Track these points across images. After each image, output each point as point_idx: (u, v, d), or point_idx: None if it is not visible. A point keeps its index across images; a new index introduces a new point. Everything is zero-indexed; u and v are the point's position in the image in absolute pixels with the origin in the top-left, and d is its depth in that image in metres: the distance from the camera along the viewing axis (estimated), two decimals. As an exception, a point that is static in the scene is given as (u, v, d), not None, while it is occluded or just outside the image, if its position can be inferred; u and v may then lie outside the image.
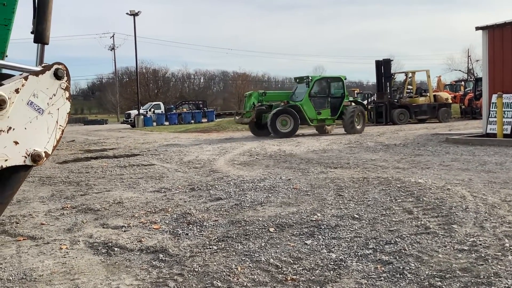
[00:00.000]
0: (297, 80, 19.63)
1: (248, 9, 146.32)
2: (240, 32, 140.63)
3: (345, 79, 19.38)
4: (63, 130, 2.95)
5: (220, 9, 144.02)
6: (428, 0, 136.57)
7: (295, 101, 18.09)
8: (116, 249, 4.34)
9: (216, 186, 7.25)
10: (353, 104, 19.24)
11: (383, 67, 25.08)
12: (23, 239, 4.80)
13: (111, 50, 68.16)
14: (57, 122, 2.90)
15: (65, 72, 2.92)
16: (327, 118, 18.53)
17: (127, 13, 41.42)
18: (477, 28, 13.64)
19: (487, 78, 13.50)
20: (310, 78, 18.60)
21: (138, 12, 41.52)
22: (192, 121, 40.06)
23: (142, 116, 38.58)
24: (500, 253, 3.69)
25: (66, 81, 2.93)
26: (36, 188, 7.94)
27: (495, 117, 12.71)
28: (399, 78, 33.61)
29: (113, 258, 4.10)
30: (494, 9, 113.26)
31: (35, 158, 2.85)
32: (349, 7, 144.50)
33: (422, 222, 4.61)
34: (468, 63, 71.31)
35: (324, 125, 19.13)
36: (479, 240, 3.99)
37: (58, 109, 2.90)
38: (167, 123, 39.33)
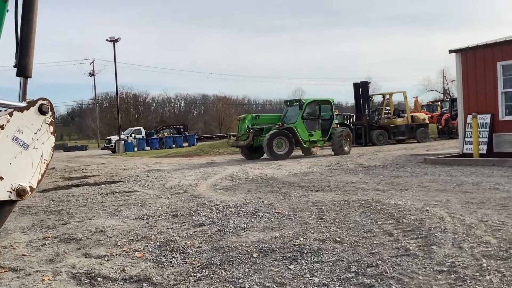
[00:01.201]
0: (288, 103, 20.18)
1: (227, 33, 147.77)
2: (220, 56, 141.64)
3: (333, 102, 19.90)
4: (47, 164, 2.98)
5: (199, 33, 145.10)
6: (406, 23, 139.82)
7: (288, 124, 18.44)
8: (99, 279, 4.32)
9: (199, 212, 7.26)
10: (339, 126, 19.75)
11: (361, 89, 25.52)
12: (5, 271, 4.74)
13: (91, 76, 67.92)
14: (41, 156, 2.93)
15: (49, 107, 2.97)
16: (318, 139, 18.96)
17: (106, 40, 41.57)
18: (451, 51, 14.05)
19: (462, 99, 13.86)
20: (302, 101, 19.12)
21: (118, 38, 41.69)
22: (174, 146, 39.99)
23: (123, 142, 38.39)
24: (478, 273, 3.79)
25: (50, 116, 2.98)
26: (17, 218, 7.84)
27: (471, 137, 13.01)
28: (377, 99, 34.28)
29: (97, 289, 4.08)
30: (470, 31, 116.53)
31: (20, 193, 2.87)
32: (328, 30, 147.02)
33: (402, 244, 4.71)
34: (444, 84, 72.99)
35: (311, 147, 19.45)
36: (458, 261, 4.09)
37: (42, 143, 2.94)
38: (148, 148, 39.20)
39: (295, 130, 18.17)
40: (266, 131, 18.14)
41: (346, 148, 18.92)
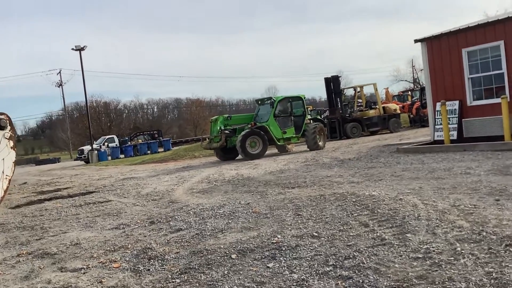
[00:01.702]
0: (259, 102, 20.15)
1: (195, 37, 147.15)
2: (190, 59, 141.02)
3: (305, 98, 19.91)
4: (10, 180, 2.91)
5: (167, 39, 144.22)
6: (372, 15, 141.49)
7: (261, 122, 18.45)
8: (76, 292, 4.24)
9: (176, 217, 7.21)
10: (312, 121, 19.82)
11: (332, 83, 25.73)
12: (-23, 293, 4.62)
13: (58, 86, 66.79)
14: (3, 172, 2.86)
15: (7, 121, 2.90)
16: (292, 136, 19.00)
17: (72, 49, 40.92)
18: (416, 41, 14.26)
19: (430, 87, 14.10)
20: (274, 99, 19.09)
21: (84, 46, 41.08)
22: (149, 152, 39.63)
23: (96, 151, 37.85)
24: (452, 258, 3.85)
25: (9, 131, 2.91)
26: (-12, 236, 7.64)
27: (441, 124, 13.24)
28: (349, 93, 34.60)
29: (74, 303, 4.01)
30: (436, 18, 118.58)
31: (-17, 210, 2.78)
32: (296, 27, 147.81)
33: (378, 234, 4.75)
34: (413, 73, 74.10)
35: (287, 144, 19.52)
36: (432, 247, 4.15)
37: (3, 159, 2.87)
38: (122, 156, 38.75)
39: (267, 128, 18.21)
40: (239, 131, 18.10)
41: (320, 143, 19.03)
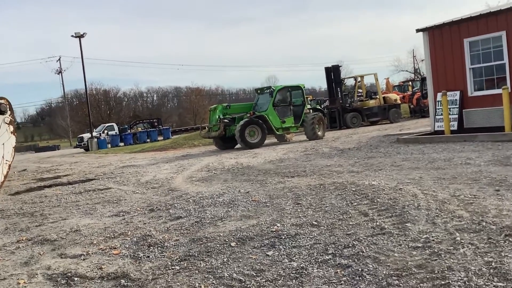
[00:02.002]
0: (258, 91, 20.00)
1: (195, 25, 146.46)
2: (190, 48, 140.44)
3: (304, 87, 19.79)
4: (10, 165, 2.89)
5: (167, 26, 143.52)
6: (373, 4, 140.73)
7: (260, 112, 18.34)
8: (76, 278, 4.25)
9: (176, 205, 7.21)
10: (311, 111, 19.74)
11: (333, 73, 25.62)
12: (-23, 278, 4.63)
13: (58, 73, 66.47)
14: (3, 157, 2.85)
15: (7, 106, 2.88)
16: (291, 126, 18.90)
17: (72, 36, 40.72)
18: (418, 30, 14.19)
19: (431, 78, 14.05)
20: (273, 88, 19.02)
21: (84, 33, 40.89)
22: (148, 140, 39.61)
23: (96, 139, 37.82)
24: (452, 247, 3.85)
25: (9, 115, 2.89)
26: (-12, 223, 7.66)
27: (441, 114, 13.21)
28: (349, 82, 34.51)
29: (74, 289, 4.02)
30: (440, 9, 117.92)
31: (-17, 195, 2.77)
32: (297, 16, 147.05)
33: (378, 223, 4.76)
34: (414, 63, 73.87)
35: (286, 133, 19.36)
36: (432, 236, 4.16)
37: (3, 144, 2.86)
38: (122, 144, 38.73)
39: (266, 117, 18.09)
40: (238, 120, 18.03)
41: (319, 133, 18.96)
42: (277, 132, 18.69)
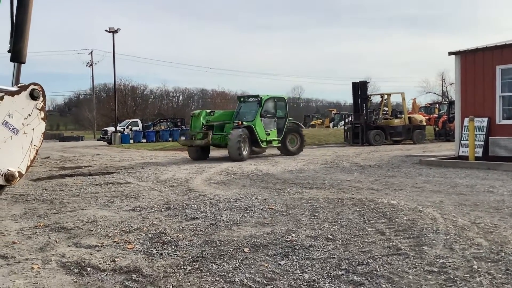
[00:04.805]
0: (241, 99, 18.46)
1: (227, 29, 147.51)
2: (220, 51, 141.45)
3: (287, 99, 18.75)
4: (37, 150, 2.95)
5: (199, 28, 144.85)
6: (407, 24, 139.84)
7: (247, 122, 16.63)
8: (88, 269, 4.30)
9: (192, 205, 7.24)
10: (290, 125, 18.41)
11: (360, 88, 25.48)
12: (-6, 258, 4.71)
13: (89, 66, 67.67)
14: (31, 142, 2.90)
15: (41, 92, 2.94)
16: (274, 139, 17.41)
17: (106, 30, 41.38)
18: (450, 53, 14.04)
19: (460, 102, 13.87)
20: (261, 97, 17.37)
21: (117, 29, 41.51)
22: (170, 139, 39.83)
23: (119, 133, 38.23)
24: (468, 275, 3.78)
25: (41, 102, 2.94)
26: (9, 205, 7.81)
27: (467, 140, 13.01)
28: (375, 99, 34.28)
29: (85, 278, 4.06)
30: (471, 35, 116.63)
31: (9, 178, 2.83)
32: (328, 29, 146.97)
33: (394, 243, 4.70)
34: (442, 86, 73.06)
35: (269, 147, 17.76)
36: (449, 262, 4.09)
37: (33, 129, 2.91)
38: (144, 140, 39.04)
39: (253, 128, 16.50)
40: (217, 129, 16.64)
41: (294, 148, 18.01)
42: (262, 146, 17.05)
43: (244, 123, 16.45)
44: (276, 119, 17.63)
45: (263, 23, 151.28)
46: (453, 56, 13.94)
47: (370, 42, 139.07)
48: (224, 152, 18.03)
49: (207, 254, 4.62)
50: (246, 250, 4.72)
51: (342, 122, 42.80)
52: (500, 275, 3.75)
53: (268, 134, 17.16)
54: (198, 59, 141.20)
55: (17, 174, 2.86)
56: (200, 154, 16.72)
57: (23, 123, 2.85)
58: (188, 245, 5.00)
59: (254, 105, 17.40)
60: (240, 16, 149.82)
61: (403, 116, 26.47)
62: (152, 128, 42.48)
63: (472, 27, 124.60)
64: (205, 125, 16.60)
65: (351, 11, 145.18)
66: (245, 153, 15.96)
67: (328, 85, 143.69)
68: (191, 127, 16.80)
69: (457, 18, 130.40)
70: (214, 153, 18.07)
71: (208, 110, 17.37)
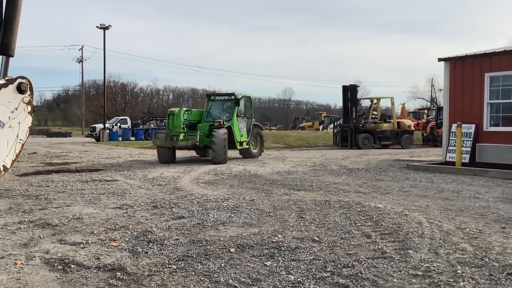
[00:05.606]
0: (211, 97, 17.21)
1: (218, 29, 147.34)
2: (212, 51, 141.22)
3: (252, 98, 17.65)
4: (23, 144, 2.91)
5: (191, 27, 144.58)
6: (399, 29, 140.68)
7: (226, 122, 15.48)
8: (72, 266, 4.26)
9: (179, 204, 7.21)
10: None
11: (350, 92, 25.58)
12: (-24, 253, 4.65)
13: (79, 62, 67.08)
14: (17, 136, 2.86)
15: (28, 86, 2.90)
16: (244, 140, 16.35)
17: (97, 27, 41.11)
18: (440, 60, 14.13)
19: (448, 108, 13.97)
20: (237, 96, 16.25)
21: (109, 26, 41.23)
22: (159, 138, 39.59)
23: (108, 131, 37.96)
24: (452, 280, 3.80)
25: (29, 95, 2.91)
26: (-7, 200, 7.72)
27: (454, 145, 13.11)
28: (365, 103, 34.41)
29: (69, 275, 4.03)
30: (465, 40, 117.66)
31: (-7, 171, 2.79)
32: (321, 31, 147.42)
33: (379, 247, 4.72)
34: (431, 92, 73.61)
35: (241, 149, 16.57)
36: (433, 266, 4.11)
37: (19, 123, 2.87)
38: (133, 138, 38.85)
39: (232, 129, 15.41)
40: (189, 128, 15.40)
41: (255, 151, 17.18)
42: (238, 147, 15.99)
43: (225, 123, 15.32)
44: (246, 119, 16.60)
45: (257, 24, 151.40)
46: (442, 62, 14.04)
47: (362, 45, 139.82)
48: (190, 154, 17.68)
49: (193, 253, 4.61)
50: (232, 250, 4.71)
51: (332, 125, 42.99)
52: (484, 280, 3.78)
53: (242, 135, 16.16)
54: (189, 58, 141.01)
55: (1, 168, 2.82)
56: (171, 156, 15.27)
57: (9, 117, 2.81)
58: (174, 244, 4.98)
59: (227, 103, 16.38)
60: (234, 17, 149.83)
61: (392, 120, 26.62)
62: (141, 126, 42.26)
63: (467, 33, 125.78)
64: (184, 124, 15.25)
65: (344, 15, 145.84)
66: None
67: (319, 88, 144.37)
68: (170, 127, 15.19)
69: (452, 23, 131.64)
70: (178, 154, 16.98)
71: (186, 108, 16.05)
